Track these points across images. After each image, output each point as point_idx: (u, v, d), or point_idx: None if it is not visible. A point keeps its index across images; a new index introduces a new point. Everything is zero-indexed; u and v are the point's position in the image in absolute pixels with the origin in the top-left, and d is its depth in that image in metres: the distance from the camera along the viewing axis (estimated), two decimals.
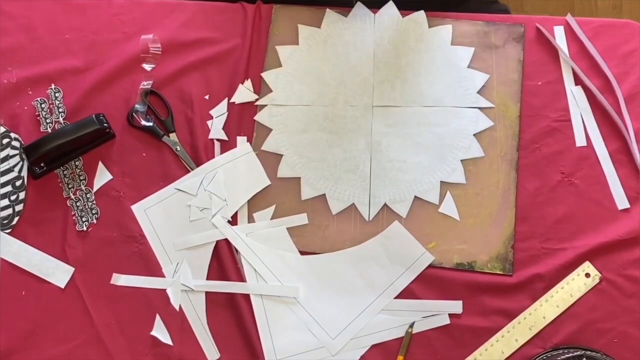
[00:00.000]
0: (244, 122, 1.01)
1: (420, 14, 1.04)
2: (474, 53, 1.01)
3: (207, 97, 1.02)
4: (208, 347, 0.90)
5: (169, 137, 1.00)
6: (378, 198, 0.95)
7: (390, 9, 1.04)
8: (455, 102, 0.99)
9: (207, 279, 0.93)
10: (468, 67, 1.01)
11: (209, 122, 1.00)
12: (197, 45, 1.05)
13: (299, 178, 0.97)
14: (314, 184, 0.96)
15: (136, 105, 1.00)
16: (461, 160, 0.96)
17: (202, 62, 1.04)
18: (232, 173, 0.97)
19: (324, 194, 0.96)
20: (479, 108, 0.98)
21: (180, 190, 0.97)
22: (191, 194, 0.96)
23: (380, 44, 1.02)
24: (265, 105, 1.01)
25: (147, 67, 1.03)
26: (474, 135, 0.97)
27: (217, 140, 0.99)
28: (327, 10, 1.05)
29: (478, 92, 0.99)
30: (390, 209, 0.94)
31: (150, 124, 1.00)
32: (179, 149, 0.99)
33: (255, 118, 1.01)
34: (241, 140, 0.99)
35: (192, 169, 0.98)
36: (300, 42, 1.04)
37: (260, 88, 1.02)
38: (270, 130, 1.00)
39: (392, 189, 0.95)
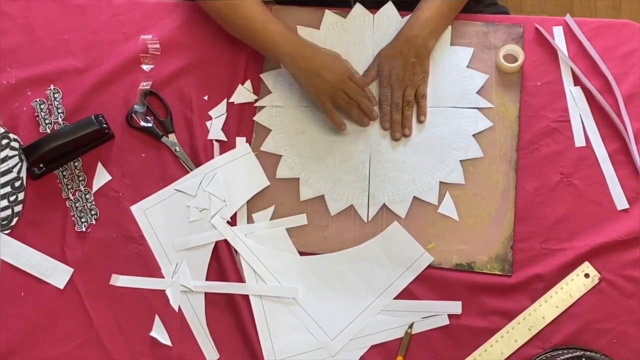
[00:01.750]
0: (243, 123, 1.01)
1: None
2: (473, 53, 1.01)
3: (206, 97, 1.02)
4: (207, 347, 0.90)
5: (168, 137, 1.00)
6: (377, 198, 0.95)
7: (389, 9, 1.04)
8: (455, 103, 0.99)
9: (207, 279, 0.93)
10: (467, 67, 1.00)
11: (208, 123, 1.00)
12: (196, 45, 1.05)
13: (298, 179, 0.97)
14: (313, 185, 0.96)
15: (135, 106, 1.00)
16: (460, 161, 0.96)
17: (201, 62, 1.04)
18: (232, 174, 0.97)
19: (323, 195, 0.96)
20: (478, 108, 0.98)
21: (179, 190, 0.97)
22: (190, 195, 0.96)
23: (379, 45, 1.02)
24: (265, 106, 1.01)
25: (146, 67, 1.03)
26: (473, 135, 0.97)
27: (216, 141, 0.99)
28: (326, 11, 1.05)
29: (477, 93, 0.99)
30: (389, 209, 0.94)
31: (150, 124, 1.00)
32: (178, 150, 0.99)
33: (254, 118, 1.00)
34: (240, 140, 0.99)
35: (191, 170, 0.98)
36: None
37: (260, 89, 1.02)
38: (270, 130, 1.00)
39: (391, 189, 0.95)
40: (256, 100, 1.01)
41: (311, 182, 0.97)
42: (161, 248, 0.94)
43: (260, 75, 1.02)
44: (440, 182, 0.95)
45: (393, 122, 0.97)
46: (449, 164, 0.96)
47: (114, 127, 1.01)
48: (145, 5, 1.08)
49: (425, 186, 0.95)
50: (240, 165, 0.98)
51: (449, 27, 1.02)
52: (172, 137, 1.00)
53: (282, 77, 1.02)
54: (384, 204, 0.95)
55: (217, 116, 1.00)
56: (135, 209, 0.97)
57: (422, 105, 0.98)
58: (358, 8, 1.05)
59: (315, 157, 0.98)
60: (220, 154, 0.99)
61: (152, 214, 0.96)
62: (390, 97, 0.98)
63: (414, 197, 0.95)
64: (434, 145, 0.97)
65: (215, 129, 1.00)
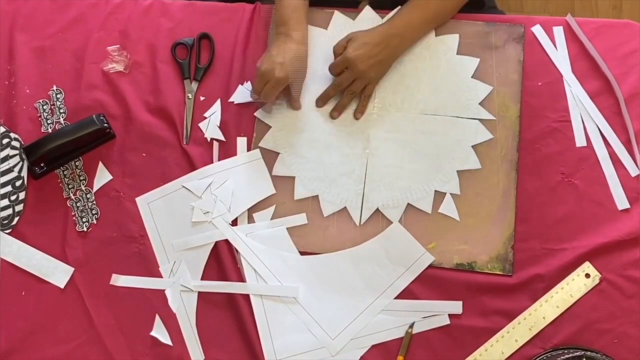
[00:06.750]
0: (243, 123, 1.00)
1: None
2: (479, 64, 1.00)
3: (202, 98, 1.02)
4: (193, 347, 0.90)
5: (190, 82, 1.01)
6: (371, 203, 0.95)
7: None
8: (456, 112, 0.98)
9: (205, 278, 0.93)
10: (472, 77, 1.00)
11: (202, 124, 1.00)
12: (194, 45, 1.05)
13: (294, 177, 0.97)
14: (308, 185, 0.96)
15: (186, 39, 1.03)
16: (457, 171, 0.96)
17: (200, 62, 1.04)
18: (240, 178, 0.97)
19: (317, 195, 0.96)
20: (479, 120, 0.98)
21: (186, 187, 0.97)
22: (196, 195, 0.96)
23: None
24: (266, 102, 1.01)
25: (120, 68, 1.03)
26: (472, 146, 0.96)
27: (216, 140, 0.99)
28: (335, 12, 1.04)
29: (480, 104, 0.98)
30: (382, 214, 0.94)
31: (185, 60, 1.02)
32: (190, 97, 0.99)
33: (255, 114, 1.00)
34: (242, 141, 0.99)
35: (187, 124, 0.98)
36: None
37: None
38: (269, 127, 1.00)
39: (386, 194, 0.95)
40: (257, 99, 1.01)
41: (306, 181, 0.96)
42: (161, 244, 0.95)
43: None
44: (435, 191, 0.95)
45: (341, 106, 0.99)
46: (446, 174, 0.95)
47: (115, 127, 1.01)
48: (142, 4, 1.08)
49: (420, 194, 0.95)
50: (248, 170, 0.97)
51: (457, 36, 1.02)
52: (194, 84, 1.01)
53: None
54: (377, 209, 0.94)
55: (211, 114, 1.00)
56: (140, 200, 0.97)
57: (364, 104, 0.99)
58: (367, 11, 1.04)
59: (312, 157, 0.98)
60: (220, 154, 0.98)
61: (156, 208, 0.96)
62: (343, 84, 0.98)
63: (408, 204, 0.94)
64: (432, 153, 0.97)
65: (212, 128, 0.99)
